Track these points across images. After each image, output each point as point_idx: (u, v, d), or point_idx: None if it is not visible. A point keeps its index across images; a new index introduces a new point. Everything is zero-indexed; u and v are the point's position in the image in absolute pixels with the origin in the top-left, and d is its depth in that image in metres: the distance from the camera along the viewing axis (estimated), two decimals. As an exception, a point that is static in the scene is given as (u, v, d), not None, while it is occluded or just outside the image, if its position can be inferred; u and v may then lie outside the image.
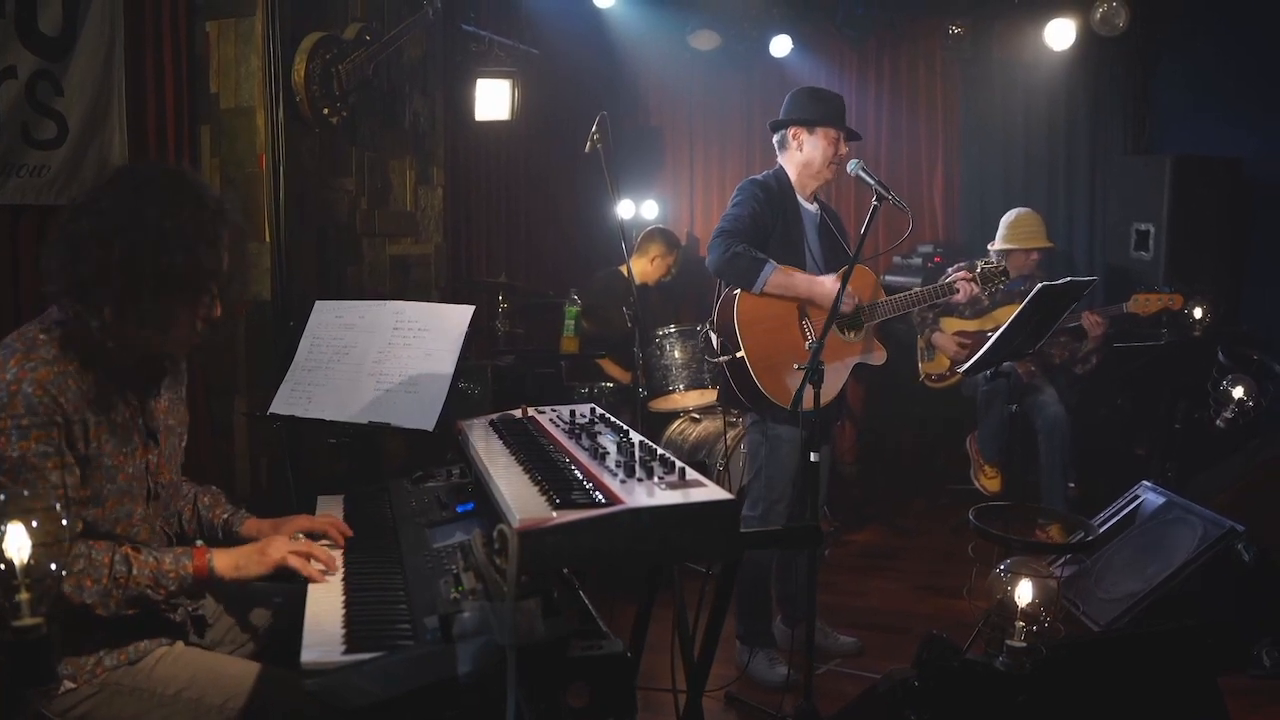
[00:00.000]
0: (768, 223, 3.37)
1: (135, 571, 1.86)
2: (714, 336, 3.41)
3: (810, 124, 3.43)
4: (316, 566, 2.07)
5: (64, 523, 1.75)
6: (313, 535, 2.29)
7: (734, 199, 3.42)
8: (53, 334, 1.86)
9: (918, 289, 3.57)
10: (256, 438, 3.70)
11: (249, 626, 2.24)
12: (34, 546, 1.35)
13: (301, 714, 1.77)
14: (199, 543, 2.02)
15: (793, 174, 3.48)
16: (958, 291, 3.54)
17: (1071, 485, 4.85)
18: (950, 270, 3.55)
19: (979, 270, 3.57)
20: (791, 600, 3.66)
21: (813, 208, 3.53)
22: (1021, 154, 6.26)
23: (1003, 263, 3.70)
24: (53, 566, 1.37)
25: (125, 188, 1.90)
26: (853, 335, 3.46)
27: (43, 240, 2.98)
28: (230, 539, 2.28)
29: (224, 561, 1.99)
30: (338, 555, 2.19)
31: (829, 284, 3.26)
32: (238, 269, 2.05)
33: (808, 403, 2.89)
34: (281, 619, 2.22)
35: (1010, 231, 4.94)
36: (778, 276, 3.26)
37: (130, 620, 1.93)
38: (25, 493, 1.72)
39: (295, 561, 2.05)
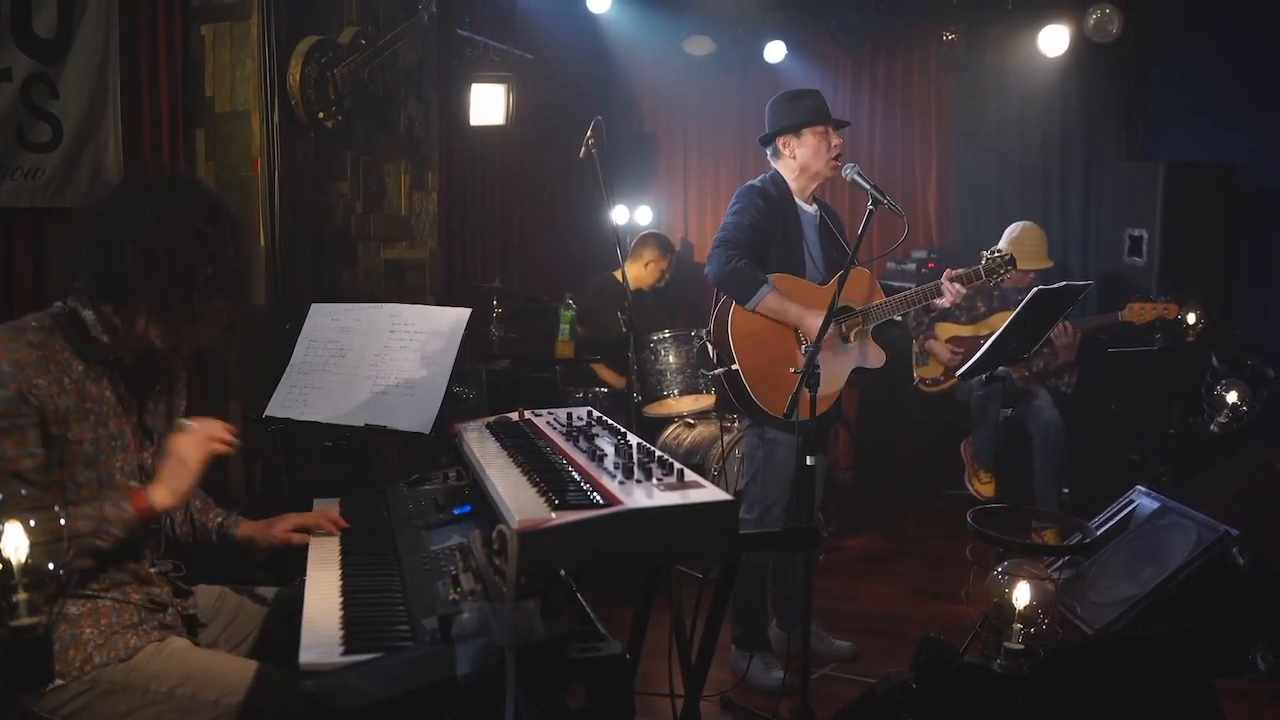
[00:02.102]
0: (767, 230, 3.35)
1: (71, 521, 1.80)
2: (710, 348, 3.40)
3: (796, 128, 3.42)
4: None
5: (62, 522, 1.74)
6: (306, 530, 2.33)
7: (733, 207, 3.40)
8: (47, 323, 1.90)
9: (907, 291, 3.51)
10: (251, 441, 3.68)
11: (245, 628, 2.23)
12: (31, 546, 1.34)
13: (298, 712, 1.76)
14: (132, 483, 1.98)
15: (791, 179, 3.46)
16: (942, 295, 3.42)
17: (1065, 490, 4.85)
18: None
19: (984, 261, 3.52)
20: (787, 604, 3.66)
21: (811, 209, 3.52)
22: (1015, 160, 6.28)
23: (1008, 253, 3.56)
24: (50, 566, 1.36)
25: (161, 193, 1.94)
26: (851, 337, 3.45)
27: (37, 243, 3.00)
28: (226, 543, 2.30)
29: (160, 494, 1.95)
30: (335, 552, 2.21)
31: (816, 325, 3.09)
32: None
33: (804, 410, 2.89)
34: (278, 621, 2.21)
35: (1012, 247, 4.90)
36: (771, 300, 3.25)
37: (121, 619, 1.93)
38: (24, 491, 1.72)
39: (217, 447, 2.05)
